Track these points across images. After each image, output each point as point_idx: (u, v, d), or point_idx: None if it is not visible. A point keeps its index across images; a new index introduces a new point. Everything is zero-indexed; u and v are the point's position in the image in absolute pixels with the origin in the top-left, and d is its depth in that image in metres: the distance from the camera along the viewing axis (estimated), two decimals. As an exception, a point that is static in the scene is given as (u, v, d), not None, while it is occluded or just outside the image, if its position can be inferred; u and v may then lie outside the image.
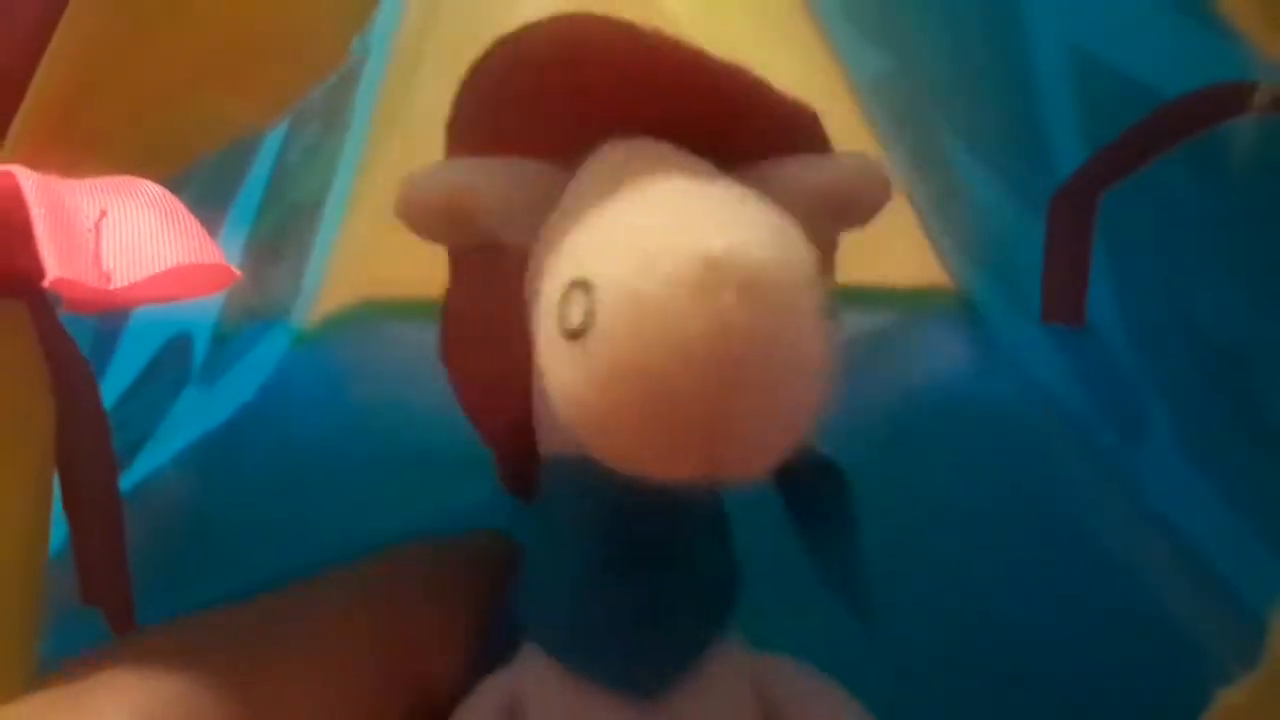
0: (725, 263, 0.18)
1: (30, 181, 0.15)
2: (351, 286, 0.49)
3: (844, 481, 0.24)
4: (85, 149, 0.19)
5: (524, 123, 0.23)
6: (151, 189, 0.16)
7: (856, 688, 0.23)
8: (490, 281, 0.22)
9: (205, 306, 0.39)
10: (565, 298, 0.19)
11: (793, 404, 0.19)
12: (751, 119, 0.23)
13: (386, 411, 0.44)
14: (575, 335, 0.18)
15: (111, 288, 0.15)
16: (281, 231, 0.42)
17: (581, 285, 0.18)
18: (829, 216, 0.22)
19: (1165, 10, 0.27)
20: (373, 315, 0.49)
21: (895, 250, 0.25)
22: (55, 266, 0.14)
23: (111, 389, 0.34)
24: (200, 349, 0.39)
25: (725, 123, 0.22)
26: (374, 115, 0.47)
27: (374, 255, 0.49)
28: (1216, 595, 0.34)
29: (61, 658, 0.31)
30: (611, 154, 0.21)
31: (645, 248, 0.18)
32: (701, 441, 0.18)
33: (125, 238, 0.15)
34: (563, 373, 0.19)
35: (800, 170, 0.22)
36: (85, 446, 0.23)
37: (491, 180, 0.22)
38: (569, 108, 0.22)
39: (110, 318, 0.31)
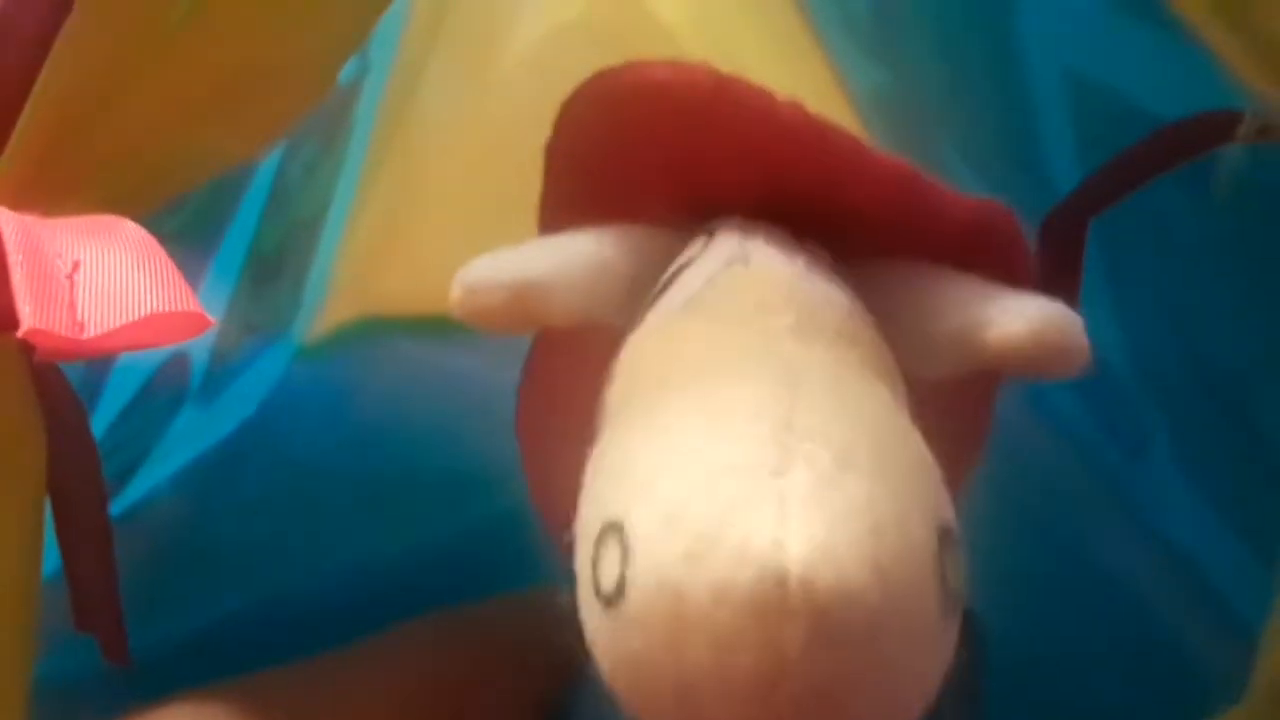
0: (798, 587, 0.13)
1: (10, 226, 0.15)
2: (352, 303, 0.49)
3: (981, 641, 0.21)
4: (74, 182, 0.19)
5: (630, 179, 0.20)
6: (131, 231, 0.16)
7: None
8: (575, 356, 0.20)
9: (204, 325, 0.39)
10: (600, 543, 0.15)
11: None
12: (899, 202, 0.19)
13: (387, 429, 0.44)
14: (608, 601, 0.15)
15: (85, 337, 0.15)
16: (281, 247, 0.42)
17: (615, 530, 0.15)
18: (1002, 369, 0.19)
19: (1161, 33, 0.27)
20: (374, 332, 0.49)
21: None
22: (30, 317, 0.14)
23: (109, 408, 0.34)
24: (198, 367, 0.39)
25: (865, 204, 0.19)
26: (375, 131, 0.47)
27: (375, 271, 0.49)
28: (1214, 613, 0.34)
29: (54, 682, 0.31)
30: (711, 261, 0.18)
31: (695, 519, 0.14)
32: None
33: (101, 286, 0.15)
34: (594, 631, 0.15)
35: (973, 309, 0.18)
36: (76, 475, 0.23)
37: (564, 267, 0.19)
38: (684, 166, 0.20)
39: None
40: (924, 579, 0.14)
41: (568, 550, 0.18)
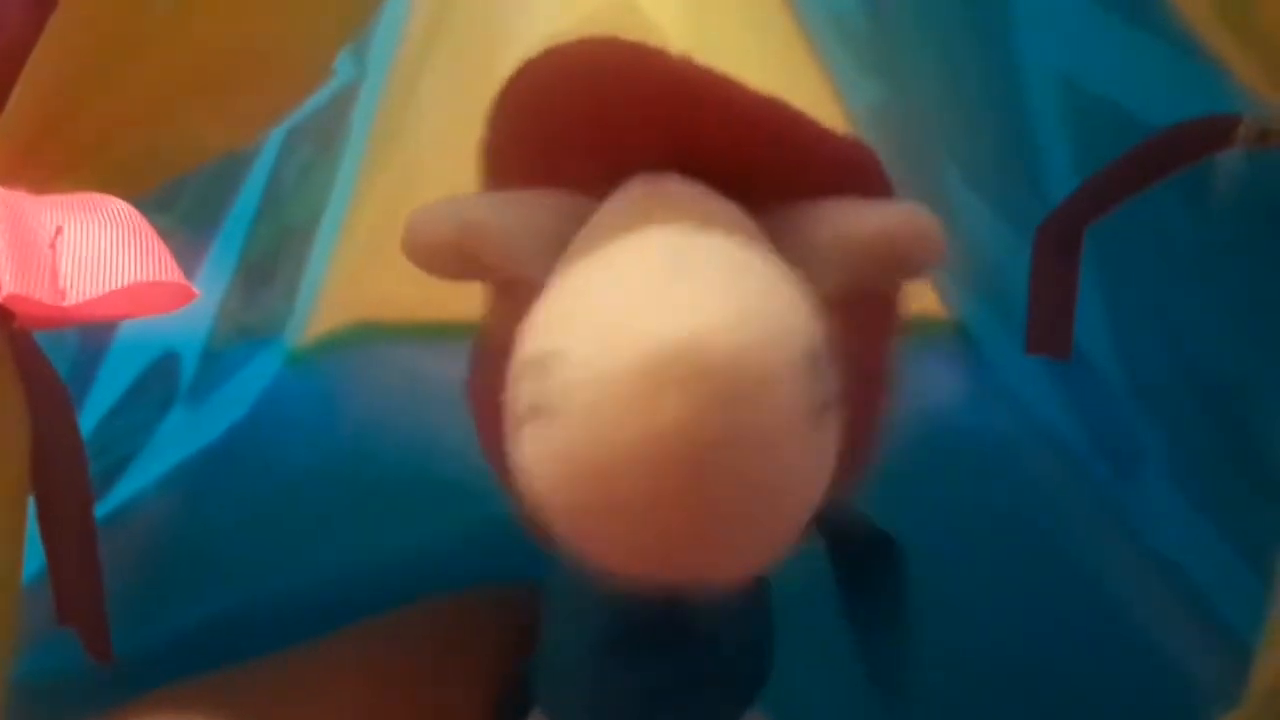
0: (672, 354, 0.16)
1: (-2, 201, 0.15)
2: (345, 308, 0.49)
3: (899, 559, 0.23)
4: (62, 165, 0.19)
5: (555, 149, 0.22)
6: (117, 205, 0.16)
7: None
8: (515, 316, 0.21)
9: (195, 325, 0.39)
10: (526, 375, 0.17)
11: (761, 514, 0.17)
12: (792, 154, 0.21)
13: (377, 434, 0.44)
14: (534, 412, 0.17)
15: (66, 304, 0.14)
16: (274, 251, 0.42)
17: (540, 363, 0.17)
18: (875, 267, 0.20)
19: (1155, 42, 0.27)
20: (365, 337, 0.49)
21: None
22: (10, 282, 0.14)
23: (97, 406, 0.34)
24: (189, 368, 0.39)
25: (764, 157, 0.21)
26: (371, 138, 0.47)
27: (367, 277, 0.49)
28: (1209, 626, 0.33)
29: (37, 681, 0.30)
30: (628, 192, 0.20)
31: (601, 324, 0.17)
32: (659, 545, 0.17)
33: (83, 255, 0.15)
34: (522, 449, 0.18)
35: (842, 216, 0.20)
36: (60, 466, 0.23)
37: (502, 216, 0.20)
38: (599, 134, 0.21)
39: (95, 334, 0.31)
40: (787, 374, 0.16)
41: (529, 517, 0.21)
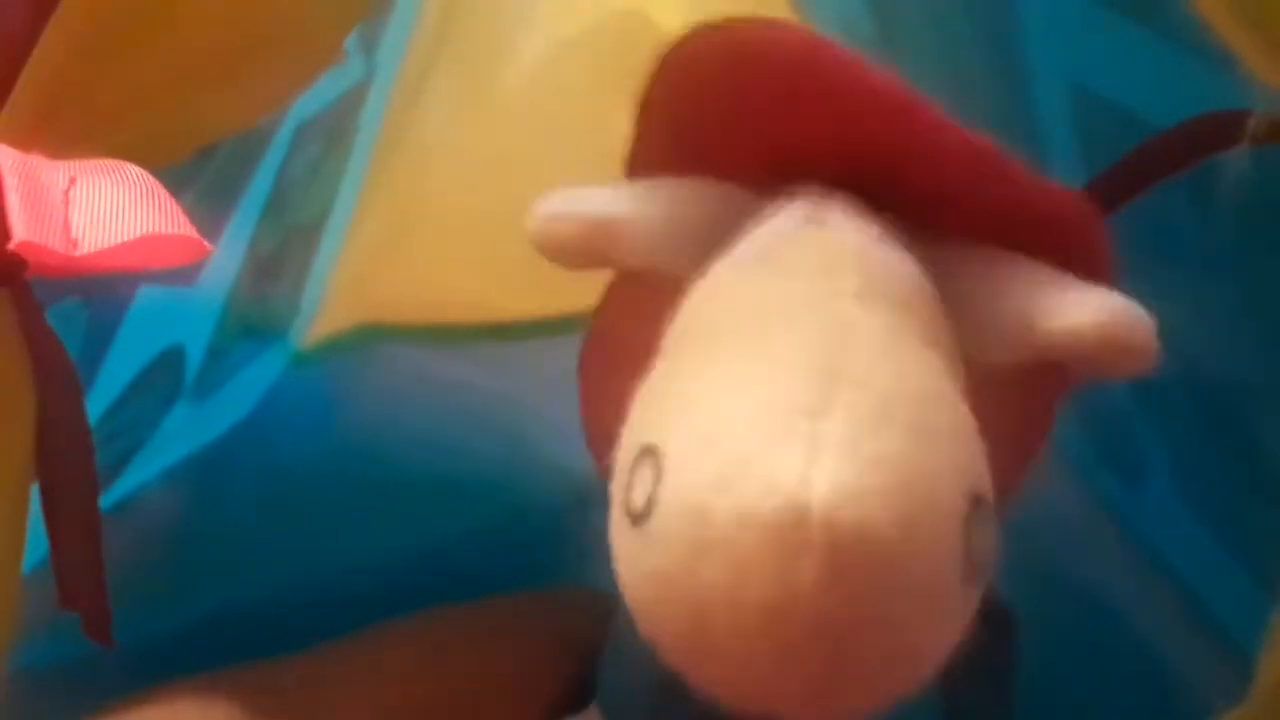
0: (819, 519, 0.14)
1: (7, 155, 0.15)
2: (350, 309, 0.49)
3: (1012, 633, 0.22)
4: (73, 140, 0.19)
5: (711, 138, 0.20)
6: (130, 168, 0.16)
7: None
8: (641, 304, 0.20)
9: (201, 320, 0.39)
10: (635, 466, 0.15)
11: (898, 674, 0.15)
12: (987, 192, 0.19)
13: (381, 436, 0.44)
14: (637, 519, 0.15)
15: (78, 253, 0.15)
16: (280, 250, 0.42)
17: (650, 454, 0.15)
18: (1061, 360, 0.18)
19: (1165, 46, 0.27)
20: (371, 339, 0.49)
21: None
22: (22, 229, 0.14)
23: (101, 398, 0.34)
24: (194, 363, 0.39)
25: (951, 189, 0.19)
26: (378, 139, 0.48)
27: (375, 279, 0.49)
28: (1210, 634, 0.33)
29: (37, 669, 0.30)
30: (786, 219, 0.18)
31: (726, 449, 0.14)
32: (764, 698, 0.15)
33: (96, 207, 0.15)
34: (620, 549, 0.16)
35: (1037, 296, 0.18)
36: (65, 442, 0.23)
37: (641, 210, 0.19)
38: (764, 126, 0.20)
39: (101, 323, 0.31)
40: (947, 538, 0.14)
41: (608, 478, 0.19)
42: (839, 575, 0.14)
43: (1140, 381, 0.36)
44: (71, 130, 0.19)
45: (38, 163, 0.16)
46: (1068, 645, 0.34)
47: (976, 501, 0.15)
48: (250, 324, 0.43)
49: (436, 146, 0.49)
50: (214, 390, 0.42)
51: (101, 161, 0.17)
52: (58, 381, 0.23)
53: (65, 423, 0.22)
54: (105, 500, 0.37)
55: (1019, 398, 0.19)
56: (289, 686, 0.23)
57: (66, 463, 0.24)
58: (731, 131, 0.20)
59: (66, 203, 0.15)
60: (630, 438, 0.16)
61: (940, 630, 0.15)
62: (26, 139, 0.18)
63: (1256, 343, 0.29)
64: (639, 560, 0.15)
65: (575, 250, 0.19)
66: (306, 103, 0.37)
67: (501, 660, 0.24)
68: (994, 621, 0.19)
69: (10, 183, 0.14)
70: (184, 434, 0.41)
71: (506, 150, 0.46)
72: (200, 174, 0.31)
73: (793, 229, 0.18)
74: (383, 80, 0.44)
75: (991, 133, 0.38)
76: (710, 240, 0.19)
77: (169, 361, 0.38)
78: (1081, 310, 0.18)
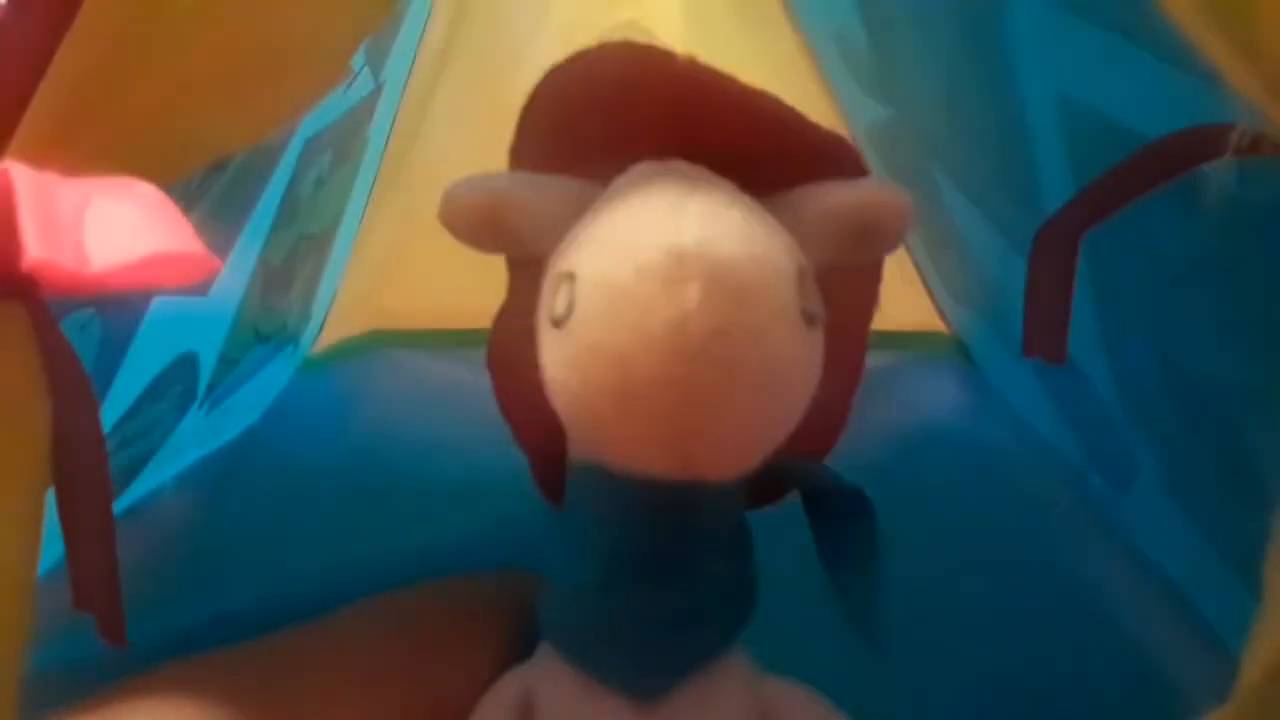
0: (692, 254, 0.19)
1: (19, 170, 0.16)
2: (360, 317, 0.49)
3: (869, 510, 0.24)
4: (84, 160, 0.19)
5: (574, 147, 0.24)
6: (141, 186, 0.17)
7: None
8: (532, 291, 0.23)
9: (213, 328, 0.39)
10: (553, 288, 0.20)
11: (761, 401, 0.19)
12: (784, 145, 0.23)
13: (389, 440, 0.44)
14: (559, 322, 0.19)
15: (90, 271, 0.15)
16: (291, 259, 0.43)
17: (567, 276, 0.20)
18: (852, 239, 0.23)
19: (1151, 59, 0.27)
20: (379, 346, 0.50)
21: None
22: (36, 246, 0.15)
23: (116, 405, 0.35)
24: (206, 370, 0.40)
25: (760, 149, 0.23)
26: (385, 153, 0.48)
27: (383, 287, 0.50)
28: (1199, 635, 0.34)
29: (49, 673, 0.31)
30: (636, 170, 0.22)
31: (622, 241, 0.19)
32: (670, 431, 0.19)
33: (108, 225, 0.16)
34: (548, 358, 0.20)
35: (822, 194, 0.23)
36: (79, 450, 0.24)
37: (531, 193, 0.22)
38: (615, 132, 0.23)
39: (116, 331, 0.32)
40: (785, 278, 0.19)
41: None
42: (714, 294, 0.18)
43: (1128, 386, 0.36)
44: (86, 148, 0.19)
45: (51, 181, 0.16)
46: (1057, 644, 0.35)
47: (802, 269, 0.20)
48: (261, 332, 0.43)
49: (443, 159, 0.49)
50: (226, 396, 0.42)
51: (114, 180, 0.17)
52: (72, 392, 0.23)
53: (79, 431, 0.23)
54: (120, 504, 0.38)
55: (838, 307, 0.23)
56: (267, 663, 0.24)
57: (81, 469, 0.24)
58: (587, 139, 0.23)
59: (80, 222, 0.15)
60: (549, 279, 0.20)
61: (793, 353, 0.20)
62: (41, 157, 0.18)
63: (1242, 349, 0.29)
64: (563, 350, 0.19)
65: (479, 222, 0.22)
66: (316, 117, 0.37)
67: (458, 623, 0.25)
68: (852, 499, 0.24)
69: (25, 202, 0.15)
70: (197, 439, 0.42)
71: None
72: (212, 186, 0.32)
73: (641, 171, 0.22)
74: (391, 95, 0.45)
75: (982, 143, 0.39)
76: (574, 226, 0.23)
77: (182, 369, 0.38)
78: (857, 188, 0.23)
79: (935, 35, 0.37)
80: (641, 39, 0.24)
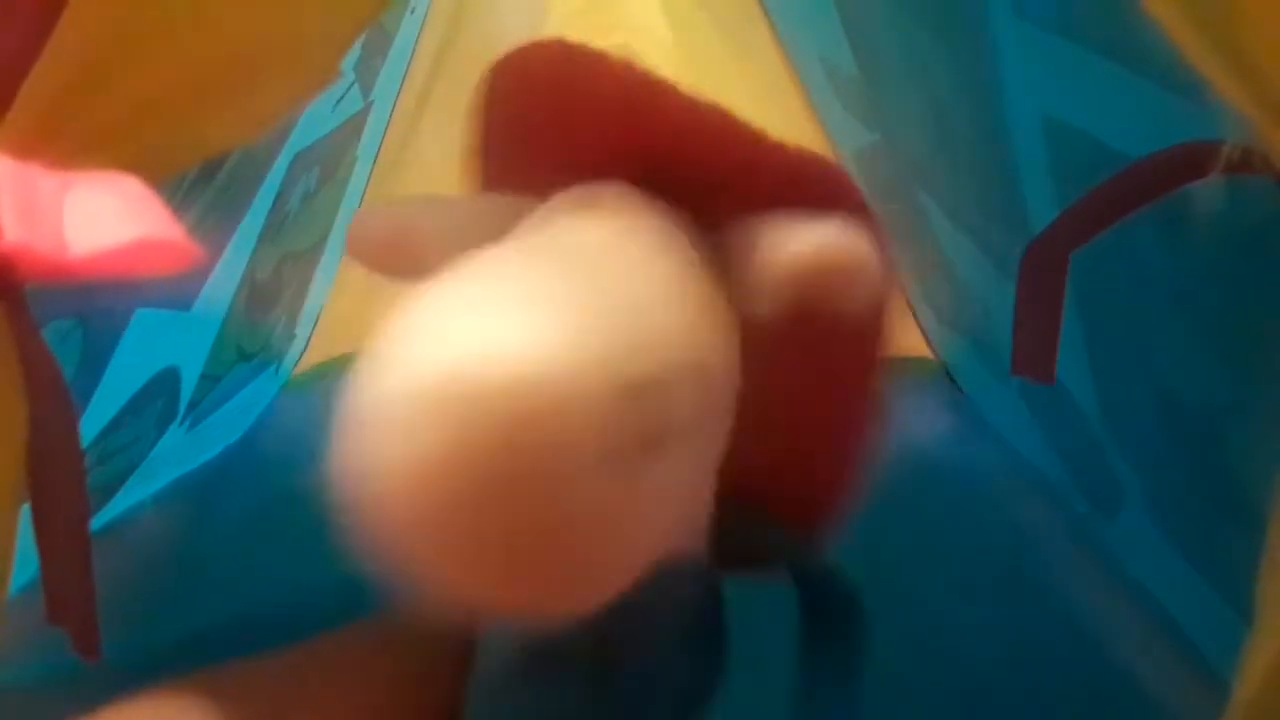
0: (459, 375, 0.15)
1: (1, 162, 0.16)
2: (343, 338, 0.49)
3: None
4: (71, 157, 0.19)
5: (521, 151, 0.22)
6: (125, 180, 0.17)
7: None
8: None
9: (196, 344, 0.39)
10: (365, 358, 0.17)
11: (560, 548, 0.16)
12: (738, 163, 0.21)
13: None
14: (353, 405, 0.16)
15: (70, 258, 0.15)
16: (276, 276, 0.43)
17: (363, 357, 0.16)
18: (805, 292, 0.19)
19: (1135, 78, 0.28)
20: (363, 366, 0.49)
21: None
22: (14, 231, 0.14)
23: (96, 419, 0.34)
24: (188, 386, 0.40)
25: (711, 164, 0.21)
26: (375, 168, 0.48)
27: (369, 307, 0.49)
28: (1186, 660, 0.34)
29: (24, 687, 0.30)
30: (554, 201, 0.20)
31: (406, 334, 0.16)
32: (456, 571, 0.16)
33: (89, 212, 0.15)
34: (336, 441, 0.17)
35: (768, 238, 0.19)
36: (56, 458, 0.23)
37: (442, 219, 0.21)
38: (556, 138, 0.22)
39: (97, 342, 0.32)
40: (584, 406, 0.15)
41: None
42: (468, 431, 0.14)
43: (1113, 409, 0.36)
44: (71, 145, 0.19)
45: (32, 171, 0.16)
46: (1045, 668, 0.35)
47: (636, 389, 0.16)
48: (245, 350, 0.43)
49: (431, 176, 0.49)
50: (207, 414, 0.42)
51: (97, 173, 0.17)
52: (50, 398, 0.23)
53: (57, 439, 0.23)
54: (98, 520, 0.37)
55: (821, 371, 0.21)
56: (267, 685, 0.23)
57: (57, 478, 0.24)
58: (532, 144, 0.22)
59: (60, 209, 0.15)
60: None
61: (601, 492, 0.15)
62: (26, 151, 0.18)
63: (1228, 371, 0.29)
64: (343, 451, 0.16)
65: (381, 253, 0.21)
66: (303, 133, 0.37)
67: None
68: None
69: (3, 186, 0.15)
70: (177, 457, 0.41)
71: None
72: (198, 198, 0.32)
73: (560, 199, 0.20)
74: (380, 114, 0.45)
75: (969, 167, 0.39)
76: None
77: (164, 384, 0.38)
78: (801, 238, 0.18)
79: (922, 60, 0.37)
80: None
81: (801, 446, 0.19)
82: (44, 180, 0.16)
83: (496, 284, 0.16)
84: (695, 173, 0.21)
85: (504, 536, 0.15)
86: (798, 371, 0.18)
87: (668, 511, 0.16)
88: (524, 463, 0.15)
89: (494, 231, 0.20)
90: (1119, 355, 0.34)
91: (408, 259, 0.20)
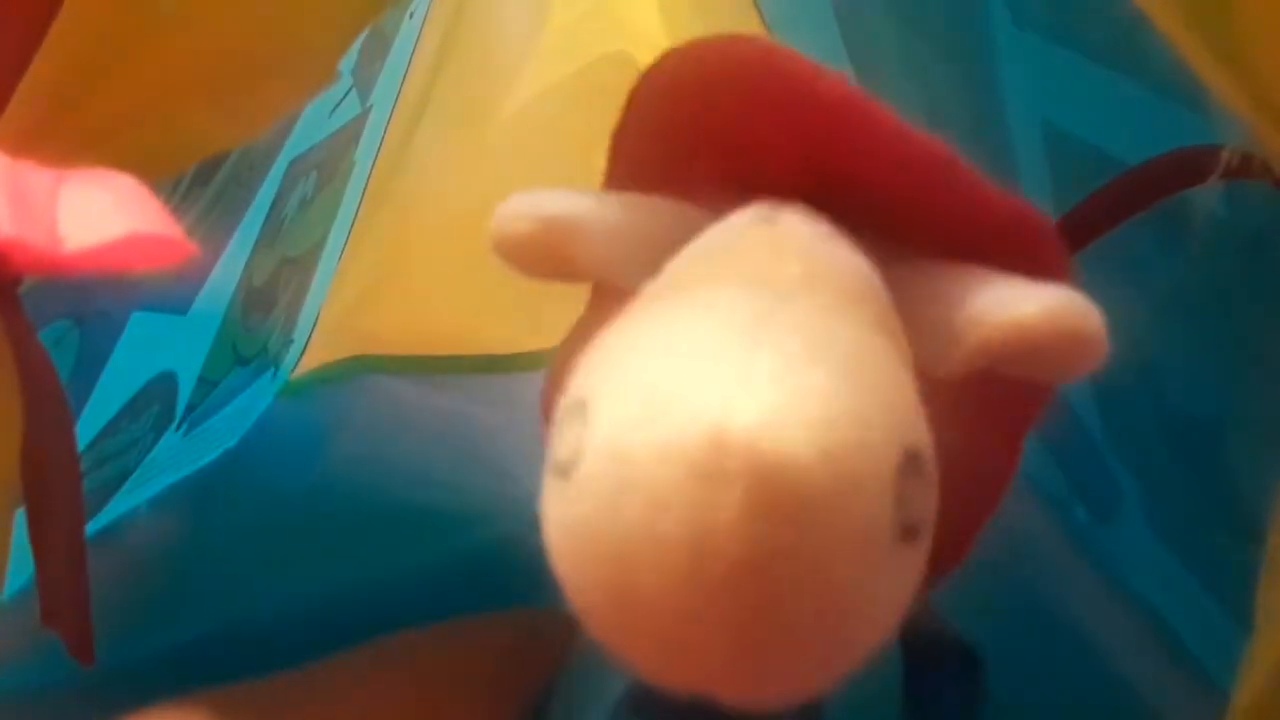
0: (741, 447, 0.13)
1: (-8, 156, 0.16)
2: (342, 342, 0.49)
3: (978, 673, 0.21)
4: (66, 156, 0.19)
5: (682, 153, 0.20)
6: (120, 176, 0.17)
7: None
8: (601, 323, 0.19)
9: (193, 348, 0.39)
10: (564, 418, 0.15)
11: (815, 646, 0.14)
12: (946, 203, 0.19)
13: (369, 466, 0.44)
14: (564, 470, 0.14)
15: (63, 251, 0.15)
16: (274, 280, 0.43)
17: (579, 408, 0.15)
18: (1013, 361, 0.17)
19: (1137, 86, 0.28)
20: (362, 371, 0.49)
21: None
22: (6, 224, 0.14)
23: (92, 423, 0.34)
24: (185, 390, 0.40)
25: (912, 199, 0.19)
26: (373, 176, 0.48)
27: (366, 312, 0.49)
28: (1185, 670, 0.34)
29: (21, 694, 0.30)
30: (734, 222, 0.18)
31: (652, 394, 0.14)
32: (684, 665, 0.14)
33: (83, 206, 0.15)
34: (548, 508, 0.15)
35: (985, 292, 0.17)
36: (52, 460, 0.23)
37: (600, 214, 0.18)
38: (729, 141, 0.19)
39: (93, 345, 0.32)
40: (875, 486, 0.14)
41: None
42: (759, 508, 0.13)
43: (1112, 416, 0.36)
44: (66, 144, 0.19)
45: (26, 167, 0.16)
46: (1041, 677, 0.34)
47: (911, 456, 0.14)
48: (242, 354, 0.43)
49: (428, 184, 0.49)
50: (204, 419, 0.42)
51: (92, 170, 0.17)
52: (47, 400, 0.23)
53: (53, 442, 0.23)
54: (94, 525, 0.37)
55: (983, 424, 0.19)
56: (277, 703, 0.23)
57: (53, 481, 0.24)
58: (695, 149, 0.20)
59: (54, 204, 0.15)
60: (564, 398, 0.15)
61: (872, 587, 0.14)
62: (21, 149, 0.18)
63: (1227, 377, 0.29)
64: (562, 512, 0.15)
65: (533, 249, 0.18)
66: (301, 137, 0.37)
67: (475, 670, 0.24)
68: (959, 656, 0.20)
69: (-4, 179, 0.15)
70: (174, 461, 0.41)
71: (496, 188, 0.46)
72: (196, 201, 0.32)
73: (744, 224, 0.18)
74: (378, 119, 0.45)
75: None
76: (664, 254, 0.18)
77: (161, 388, 0.38)
78: (1029, 301, 0.17)
79: (920, 65, 0.37)
80: (630, 71, 0.22)
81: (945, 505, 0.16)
82: (38, 176, 0.16)
83: (758, 321, 0.14)
84: (890, 201, 0.19)
85: (779, 623, 0.14)
86: (958, 432, 0.16)
87: (907, 601, 0.15)
88: (825, 547, 0.13)
89: (657, 240, 0.18)
90: (1117, 361, 0.34)
91: (558, 258, 0.18)
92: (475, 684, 0.23)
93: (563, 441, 0.15)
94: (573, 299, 0.22)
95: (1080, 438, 0.37)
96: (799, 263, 0.16)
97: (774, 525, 0.13)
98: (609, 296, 0.18)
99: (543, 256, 0.18)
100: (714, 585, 0.13)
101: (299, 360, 0.49)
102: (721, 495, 0.13)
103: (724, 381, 0.14)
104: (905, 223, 0.18)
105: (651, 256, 0.18)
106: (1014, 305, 0.17)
